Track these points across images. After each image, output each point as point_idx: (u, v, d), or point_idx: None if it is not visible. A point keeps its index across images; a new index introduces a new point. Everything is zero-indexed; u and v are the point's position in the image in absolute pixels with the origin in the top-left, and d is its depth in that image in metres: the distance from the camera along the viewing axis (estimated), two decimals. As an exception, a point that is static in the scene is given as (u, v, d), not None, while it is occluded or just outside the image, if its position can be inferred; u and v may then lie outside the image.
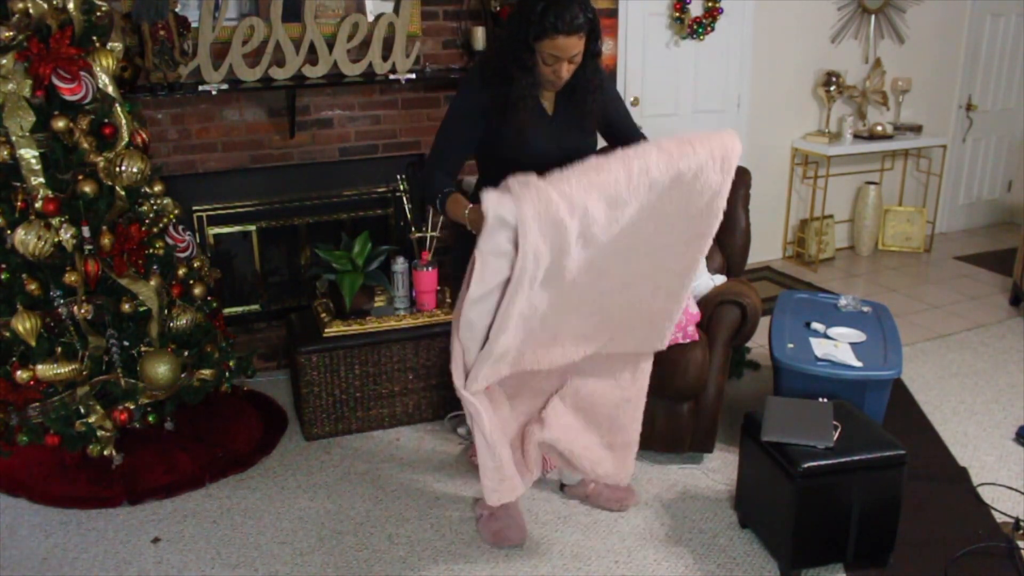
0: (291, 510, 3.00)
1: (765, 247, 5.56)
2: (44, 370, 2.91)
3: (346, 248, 3.49)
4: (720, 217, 2.33)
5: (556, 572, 2.68)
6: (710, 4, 4.73)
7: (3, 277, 2.95)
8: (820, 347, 3.22)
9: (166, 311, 3.15)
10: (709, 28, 4.76)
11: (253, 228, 4.01)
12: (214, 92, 3.57)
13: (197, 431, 3.43)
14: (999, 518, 2.91)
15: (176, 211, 3.32)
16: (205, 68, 3.55)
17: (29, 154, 2.88)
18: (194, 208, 3.83)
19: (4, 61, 2.82)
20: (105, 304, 3.02)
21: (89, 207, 2.95)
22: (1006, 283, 5.19)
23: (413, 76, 3.90)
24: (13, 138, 2.86)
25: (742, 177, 3.62)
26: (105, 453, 3.09)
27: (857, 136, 5.49)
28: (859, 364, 3.10)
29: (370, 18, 3.86)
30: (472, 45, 4.08)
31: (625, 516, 2.95)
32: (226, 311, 3.88)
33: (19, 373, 2.90)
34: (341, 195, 4.13)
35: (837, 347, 3.22)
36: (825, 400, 2.79)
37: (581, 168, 2.17)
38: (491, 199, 2.10)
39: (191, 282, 3.31)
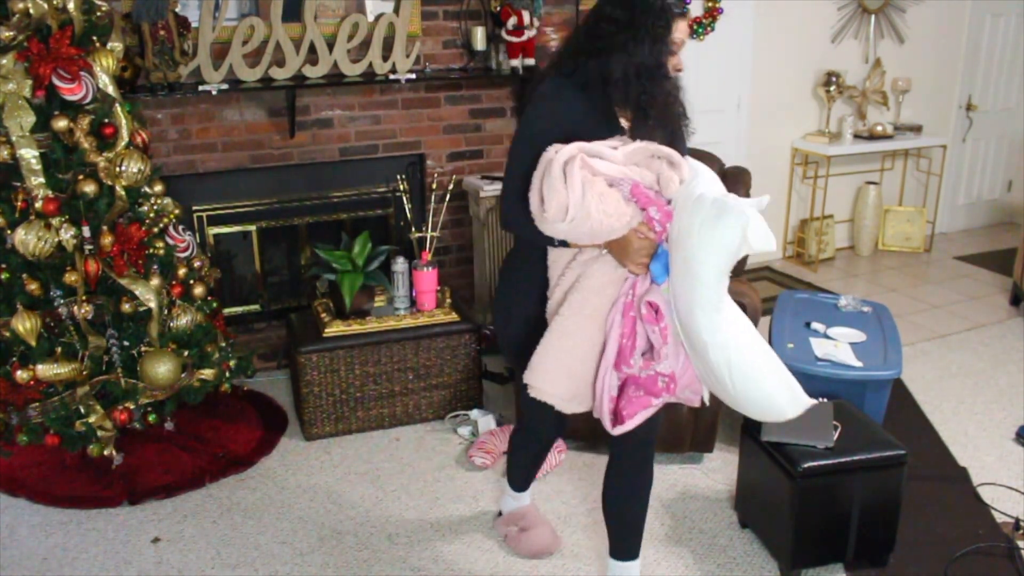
0: (291, 510, 3.00)
1: (765, 247, 5.56)
2: (44, 370, 2.91)
3: (346, 248, 3.49)
4: None
5: (556, 572, 2.68)
6: (710, 4, 4.73)
7: (3, 277, 2.95)
8: (820, 347, 3.22)
9: (166, 311, 3.15)
10: (709, 28, 4.76)
11: (253, 228, 4.01)
12: (214, 92, 3.58)
13: (197, 431, 3.43)
14: (999, 518, 2.91)
15: (176, 211, 3.32)
16: (205, 68, 3.55)
17: (29, 154, 2.88)
18: (194, 208, 3.83)
19: (4, 61, 2.83)
20: (105, 304, 3.02)
21: (89, 207, 2.95)
22: (1006, 283, 5.19)
23: (413, 76, 3.90)
24: (13, 138, 2.86)
25: (741, 177, 3.61)
26: (105, 453, 3.09)
27: (857, 136, 5.49)
28: (859, 364, 3.10)
29: (370, 18, 3.86)
30: (472, 45, 4.09)
31: (625, 516, 2.95)
32: (226, 311, 3.88)
33: (19, 373, 2.90)
34: (341, 195, 4.13)
35: (837, 347, 3.22)
36: (825, 400, 2.79)
37: None
38: None
39: (191, 282, 3.31)
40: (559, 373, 2.10)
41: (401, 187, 3.83)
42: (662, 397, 2.08)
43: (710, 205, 1.90)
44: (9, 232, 2.90)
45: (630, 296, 2.06)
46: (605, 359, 2.08)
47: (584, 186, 1.92)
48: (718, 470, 3.22)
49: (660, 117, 2.08)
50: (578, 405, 2.15)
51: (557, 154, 1.93)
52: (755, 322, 3.23)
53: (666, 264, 2.01)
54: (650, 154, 2.02)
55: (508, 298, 2.31)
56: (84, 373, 2.98)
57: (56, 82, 2.87)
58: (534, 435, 2.60)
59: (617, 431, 2.10)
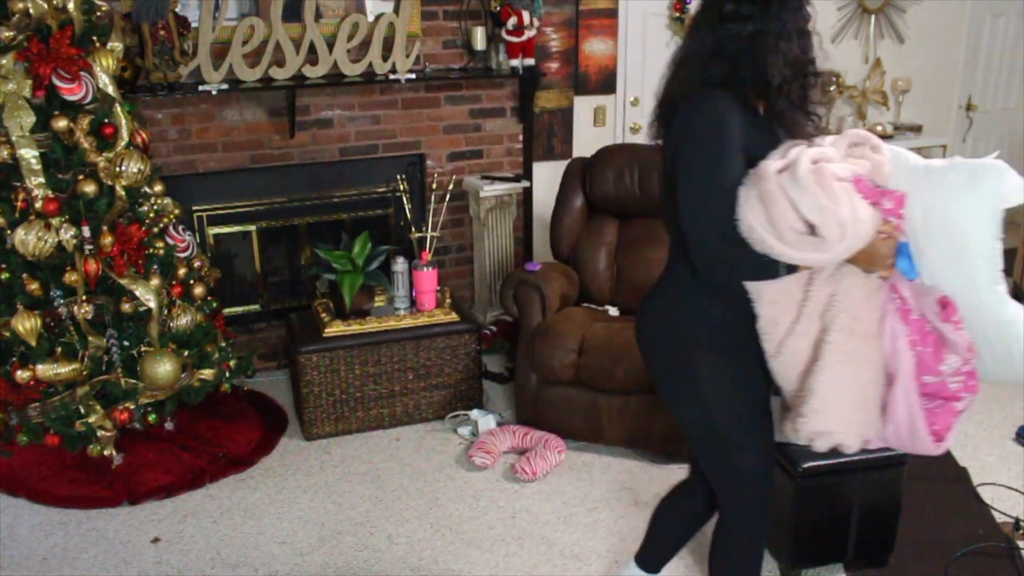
0: (291, 510, 3.00)
1: (765, 247, 5.55)
2: (44, 370, 2.91)
3: (346, 248, 3.50)
4: None
5: (556, 572, 2.68)
6: (710, 4, 4.73)
7: (3, 277, 2.95)
8: (820, 347, 3.21)
9: (166, 311, 3.15)
10: (709, 28, 4.76)
11: (253, 228, 4.01)
12: (214, 92, 3.57)
13: (197, 431, 3.43)
14: (999, 518, 2.91)
15: (176, 211, 3.32)
16: (205, 68, 3.55)
17: (29, 154, 2.88)
18: (194, 208, 3.83)
19: (4, 61, 2.83)
20: (105, 304, 3.02)
21: (89, 207, 2.95)
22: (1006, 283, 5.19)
23: (413, 76, 3.90)
24: (13, 138, 2.86)
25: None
26: (105, 453, 3.09)
27: (857, 136, 5.48)
28: (859, 364, 3.09)
29: (370, 18, 3.86)
30: (472, 45, 4.08)
31: (625, 516, 2.95)
32: (226, 311, 3.88)
33: (19, 373, 2.90)
34: (341, 195, 4.13)
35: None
36: (825, 400, 2.78)
37: None
38: None
39: (191, 282, 3.31)
40: (849, 408, 1.82)
41: (401, 187, 3.83)
42: (964, 399, 1.80)
43: (954, 170, 1.69)
44: (9, 232, 2.90)
45: (897, 300, 1.80)
46: (902, 375, 1.79)
47: (848, 194, 1.67)
48: (718, 470, 3.21)
49: (814, 116, 1.87)
50: (863, 440, 1.88)
51: (797, 167, 1.68)
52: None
53: (910, 255, 1.76)
54: (848, 143, 1.81)
55: (705, 374, 1.93)
56: (84, 373, 2.98)
57: (56, 82, 2.87)
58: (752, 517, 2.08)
59: (940, 449, 1.83)
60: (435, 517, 2.96)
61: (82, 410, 3.00)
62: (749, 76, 1.78)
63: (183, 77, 3.53)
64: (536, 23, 4.08)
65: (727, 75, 1.79)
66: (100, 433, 3.04)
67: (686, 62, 1.86)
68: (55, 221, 2.89)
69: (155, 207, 3.21)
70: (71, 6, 2.90)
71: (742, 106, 1.80)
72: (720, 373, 1.93)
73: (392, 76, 3.87)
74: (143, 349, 3.09)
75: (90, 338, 2.99)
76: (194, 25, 3.52)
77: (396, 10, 3.88)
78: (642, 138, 4.74)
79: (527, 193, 4.43)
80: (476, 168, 4.34)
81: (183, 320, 3.20)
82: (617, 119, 4.72)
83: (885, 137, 5.48)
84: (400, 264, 3.55)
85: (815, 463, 2.49)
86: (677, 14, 4.67)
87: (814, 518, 2.54)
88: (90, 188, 2.93)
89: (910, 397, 1.80)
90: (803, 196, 1.66)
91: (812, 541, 2.57)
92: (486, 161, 4.36)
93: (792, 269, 1.76)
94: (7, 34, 2.80)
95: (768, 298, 1.85)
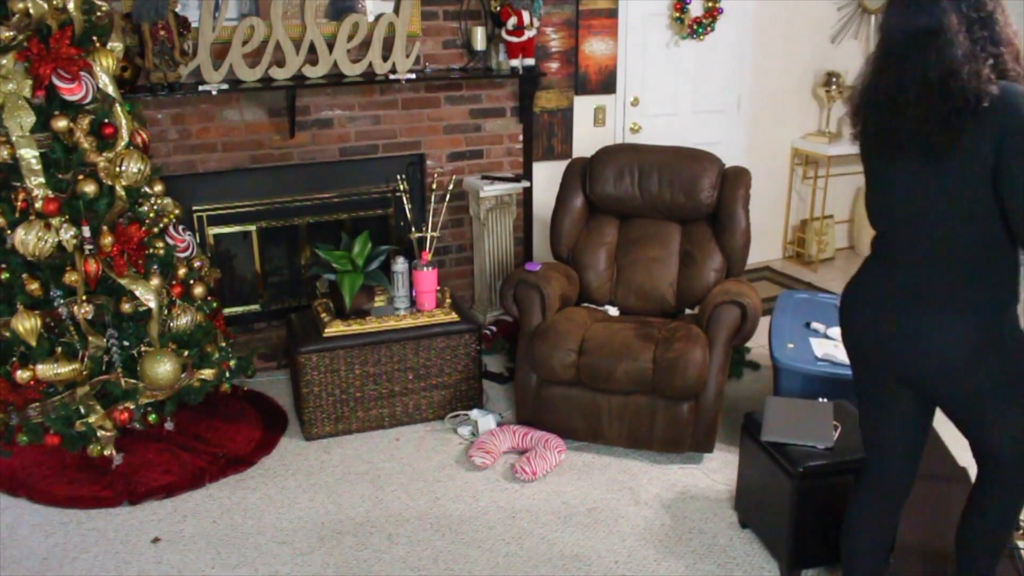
0: (291, 510, 3.00)
1: (765, 247, 5.56)
2: (44, 370, 2.91)
3: (346, 248, 3.50)
4: None
5: (556, 572, 2.68)
6: (710, 4, 4.73)
7: (3, 277, 2.95)
8: (820, 347, 3.22)
9: (166, 311, 3.15)
10: (709, 28, 4.76)
11: (253, 228, 4.01)
12: (214, 92, 3.58)
13: (197, 431, 3.43)
14: (999, 518, 2.91)
15: (176, 211, 3.32)
16: (205, 68, 3.56)
17: (29, 154, 2.88)
18: (194, 208, 3.83)
19: (4, 61, 2.83)
20: (105, 304, 3.02)
21: (89, 207, 2.95)
22: None
23: (413, 76, 3.91)
24: (13, 138, 2.86)
25: (742, 178, 3.62)
26: (105, 453, 3.10)
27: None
28: (859, 364, 3.09)
29: (370, 18, 3.86)
30: (472, 45, 4.09)
31: (625, 516, 2.95)
32: (226, 311, 3.89)
33: (19, 373, 2.90)
34: (341, 195, 4.13)
35: (837, 347, 3.22)
36: (825, 400, 2.79)
37: None
38: None
39: (191, 282, 3.31)
40: None
41: (401, 187, 3.84)
42: None
43: None
44: (9, 232, 2.90)
45: None
46: None
47: None
48: (718, 470, 3.22)
49: None
50: None
51: None
52: (755, 322, 3.24)
53: None
54: None
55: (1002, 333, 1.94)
56: (84, 373, 2.98)
57: (56, 82, 2.87)
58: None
59: None
60: (435, 517, 2.96)
61: (82, 410, 3.00)
62: (1011, 66, 1.79)
63: (183, 77, 3.53)
64: (536, 23, 4.08)
65: (994, 70, 1.78)
66: (100, 433, 3.04)
67: (961, 62, 1.77)
68: (55, 221, 2.90)
69: (155, 207, 3.21)
70: (71, 6, 2.90)
71: None
72: None
73: (392, 76, 3.87)
74: (143, 349, 3.09)
75: (90, 338, 2.99)
76: (194, 25, 3.52)
77: (396, 10, 3.88)
78: (642, 138, 4.74)
79: (527, 193, 4.43)
80: (476, 168, 4.34)
81: (183, 320, 3.20)
82: (617, 119, 4.72)
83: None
84: (400, 264, 3.55)
85: (815, 463, 2.49)
86: (677, 14, 4.68)
87: (814, 518, 2.54)
88: (90, 188, 2.93)
89: None
90: None
91: (812, 541, 2.57)
92: (486, 161, 4.37)
93: None
94: (7, 34, 2.80)
95: None
